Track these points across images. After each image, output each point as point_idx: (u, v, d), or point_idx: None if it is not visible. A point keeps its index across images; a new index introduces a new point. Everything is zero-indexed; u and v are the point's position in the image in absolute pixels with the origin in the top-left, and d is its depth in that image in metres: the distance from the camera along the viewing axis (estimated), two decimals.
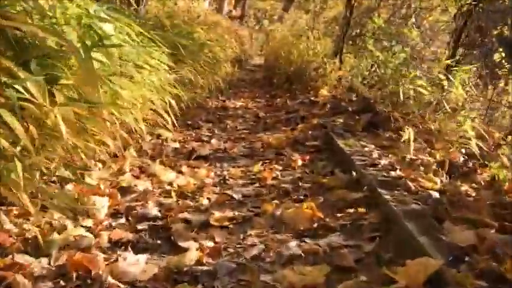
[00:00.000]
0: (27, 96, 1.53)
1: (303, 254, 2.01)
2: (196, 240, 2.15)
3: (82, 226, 2.20)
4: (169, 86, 3.45)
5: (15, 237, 1.94)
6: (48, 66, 1.76)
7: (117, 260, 1.91)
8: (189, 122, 5.04)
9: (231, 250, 2.09)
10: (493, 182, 2.76)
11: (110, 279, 1.76)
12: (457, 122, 3.85)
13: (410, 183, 2.59)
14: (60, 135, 1.59)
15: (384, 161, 3.11)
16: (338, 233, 2.20)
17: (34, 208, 1.71)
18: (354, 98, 5.69)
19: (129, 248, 2.05)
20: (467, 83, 4.04)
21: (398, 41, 7.19)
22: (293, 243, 2.11)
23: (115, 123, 2.30)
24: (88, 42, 1.97)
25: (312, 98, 6.22)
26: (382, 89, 5.41)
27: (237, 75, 9.68)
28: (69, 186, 2.50)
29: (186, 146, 4.07)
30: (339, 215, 2.39)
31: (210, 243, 2.13)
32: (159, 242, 2.17)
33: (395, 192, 2.49)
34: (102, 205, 2.40)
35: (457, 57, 5.33)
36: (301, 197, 2.74)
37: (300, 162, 3.52)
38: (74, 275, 1.78)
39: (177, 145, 4.03)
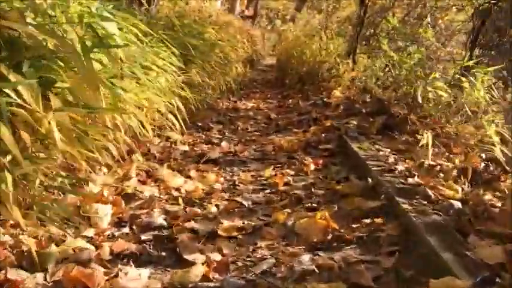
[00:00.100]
0: (19, 101, 1.42)
1: (316, 270, 1.87)
2: (203, 253, 2.03)
3: (83, 236, 2.08)
4: (178, 88, 3.33)
5: (11, 250, 1.83)
6: (43, 68, 1.64)
7: (117, 275, 1.79)
8: (199, 124, 4.92)
9: (240, 264, 1.96)
10: None
11: None
12: (476, 126, 3.70)
13: (429, 191, 2.44)
14: (54, 143, 1.48)
15: (400, 167, 2.97)
16: (354, 246, 2.07)
17: (25, 222, 1.59)
18: (368, 100, 5.54)
19: (131, 262, 1.93)
20: (486, 84, 3.89)
21: (413, 41, 7.04)
22: (306, 257, 1.98)
23: (118, 127, 2.18)
24: (88, 43, 1.85)
25: (325, 99, 6.07)
26: (396, 90, 5.27)
27: (249, 76, 9.56)
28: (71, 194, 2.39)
29: (196, 148, 3.95)
30: (354, 225, 2.25)
31: (218, 256, 2.01)
32: (163, 254, 2.05)
33: (414, 201, 2.35)
34: (105, 213, 2.28)
35: (474, 58, 5.17)
36: (314, 205, 2.60)
37: (312, 167, 3.39)
38: None
39: (186, 148, 3.91)
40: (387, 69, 6.26)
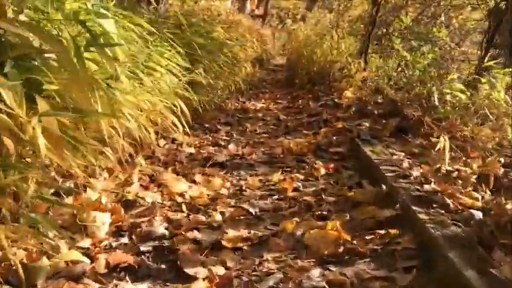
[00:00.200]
0: (1, 105, 1.29)
1: (327, 286, 1.73)
2: (205, 266, 1.89)
3: (78, 247, 1.96)
4: (182, 89, 3.20)
5: None
6: (29, 69, 1.52)
7: None
8: (207, 125, 4.80)
9: (245, 279, 1.83)
10: None
11: None
12: (492, 128, 3.55)
13: (447, 200, 2.29)
14: (38, 150, 1.35)
15: (415, 172, 2.82)
16: (367, 260, 1.93)
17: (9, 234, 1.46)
18: (380, 101, 5.39)
19: (128, 277, 1.80)
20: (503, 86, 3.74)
21: (427, 40, 6.89)
22: (316, 272, 1.84)
23: (117, 130, 2.06)
24: (82, 41, 1.72)
25: (336, 100, 5.91)
26: (409, 91, 5.12)
27: (258, 76, 9.42)
28: (69, 200, 2.27)
29: (202, 151, 3.82)
30: (367, 237, 2.10)
31: (221, 270, 1.87)
32: (163, 266, 1.92)
33: (432, 210, 2.20)
34: (103, 222, 2.16)
35: (490, 58, 5.01)
36: (325, 213, 2.46)
37: (323, 171, 3.25)
38: None
39: (192, 150, 3.78)
40: (399, 69, 6.12)
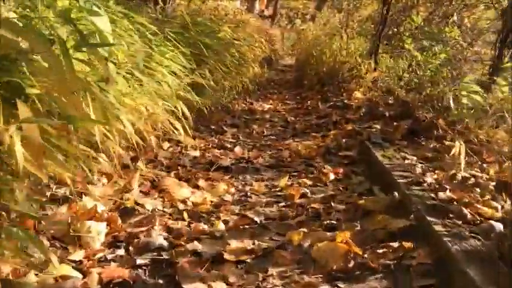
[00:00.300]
0: None
1: None
2: (205, 281, 1.77)
3: (70, 261, 1.84)
4: (184, 90, 3.08)
5: None
6: (9, 71, 1.39)
7: None
8: (213, 127, 4.68)
9: None
10: None
11: None
12: (506, 131, 3.40)
13: (464, 210, 2.15)
14: (15, 161, 1.23)
15: (429, 179, 2.67)
16: (379, 276, 1.79)
17: None
18: (391, 102, 5.25)
19: None
20: None
21: (438, 40, 6.73)
22: None
23: (112, 135, 1.93)
24: (70, 41, 1.60)
25: (346, 101, 5.77)
26: (421, 92, 4.98)
27: (266, 76, 9.29)
28: (63, 208, 2.15)
29: (207, 154, 3.69)
30: (379, 250, 1.96)
31: (222, 286, 1.75)
32: (160, 281, 1.79)
33: (448, 221, 2.05)
34: (98, 232, 2.03)
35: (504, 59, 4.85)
36: (334, 222, 2.33)
37: (332, 176, 3.12)
38: None
39: (197, 153, 3.66)
40: (410, 69, 5.98)
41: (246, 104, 6.38)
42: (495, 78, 4.42)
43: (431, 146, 3.53)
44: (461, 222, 2.05)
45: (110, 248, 2.01)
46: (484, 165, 3.04)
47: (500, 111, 3.30)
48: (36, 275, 1.64)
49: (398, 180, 2.66)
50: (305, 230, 2.20)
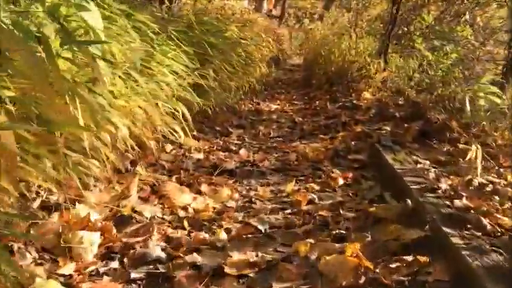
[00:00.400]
0: None
1: None
2: None
3: (59, 275, 1.71)
4: (185, 91, 2.95)
5: None
6: None
7: None
8: (218, 128, 4.54)
9: None
10: None
11: None
12: None
13: (484, 220, 2.01)
14: None
15: (444, 185, 2.53)
16: None
17: None
18: (401, 102, 5.11)
19: None
20: None
21: (450, 40, 6.59)
22: None
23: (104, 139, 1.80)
24: (54, 38, 1.47)
25: (355, 101, 5.63)
26: (432, 92, 4.84)
27: (274, 76, 9.15)
28: (54, 217, 2.02)
29: (211, 157, 3.56)
30: (392, 265, 1.81)
31: None
32: None
33: (466, 232, 1.91)
34: (91, 242, 1.91)
35: None
36: (343, 232, 2.19)
37: (341, 181, 2.98)
38: None
39: (200, 156, 3.52)
40: (421, 69, 5.85)
41: (253, 105, 6.25)
42: (510, 78, 4.28)
43: (445, 149, 3.39)
44: (480, 233, 1.91)
45: (103, 260, 1.88)
46: (501, 170, 2.89)
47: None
48: None
49: (410, 186, 2.52)
50: (312, 240, 2.06)
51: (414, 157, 3.19)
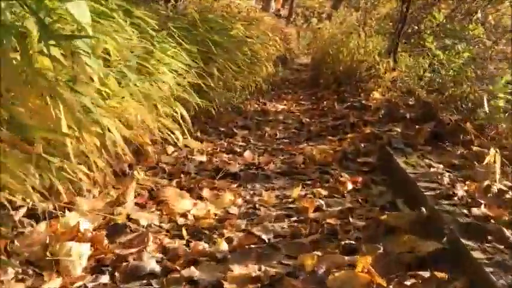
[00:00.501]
0: None
1: None
2: None
3: None
4: (184, 91, 2.81)
5: None
6: None
7: None
8: (222, 129, 4.40)
9: None
10: None
11: None
12: None
13: (506, 231, 1.85)
14: None
15: (460, 191, 2.36)
16: None
17: None
18: (411, 103, 4.94)
19: None
20: None
21: (461, 38, 6.43)
22: None
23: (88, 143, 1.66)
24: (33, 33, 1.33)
25: (363, 102, 5.46)
26: (444, 92, 4.68)
27: (281, 75, 9.01)
28: (42, 226, 1.88)
29: (214, 159, 3.41)
30: (407, 282, 1.65)
31: None
32: None
33: (487, 244, 1.76)
34: (80, 255, 1.76)
35: None
36: (353, 243, 2.03)
37: (350, 186, 2.82)
38: None
39: (203, 158, 3.38)
40: (432, 69, 5.68)
41: (259, 105, 6.10)
42: None
43: (458, 152, 3.22)
44: (503, 246, 1.75)
45: (92, 274, 1.74)
46: None
47: None
48: None
49: (424, 193, 2.36)
50: (319, 252, 1.91)
51: (427, 160, 3.03)
